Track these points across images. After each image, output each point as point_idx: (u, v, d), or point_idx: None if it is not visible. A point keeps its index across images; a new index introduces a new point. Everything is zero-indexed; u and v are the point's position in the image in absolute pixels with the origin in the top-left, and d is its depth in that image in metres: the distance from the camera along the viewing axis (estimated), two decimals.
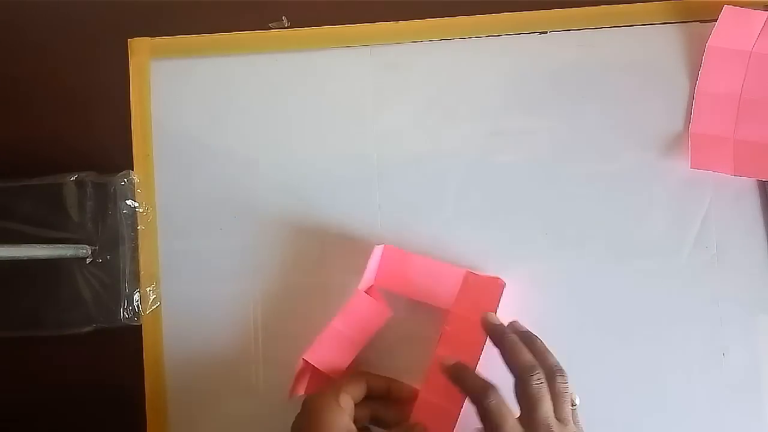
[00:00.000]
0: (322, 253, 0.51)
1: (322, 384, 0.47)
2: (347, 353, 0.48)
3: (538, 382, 0.42)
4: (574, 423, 0.43)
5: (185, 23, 0.54)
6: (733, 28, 0.50)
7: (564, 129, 0.52)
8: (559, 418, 0.42)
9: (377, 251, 0.49)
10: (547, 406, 0.41)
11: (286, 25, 0.53)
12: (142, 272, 0.52)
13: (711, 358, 0.50)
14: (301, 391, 0.48)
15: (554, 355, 0.45)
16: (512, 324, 0.47)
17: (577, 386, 0.50)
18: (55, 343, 0.51)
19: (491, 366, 0.45)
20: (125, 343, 0.51)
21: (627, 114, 0.51)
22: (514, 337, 0.45)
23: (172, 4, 0.54)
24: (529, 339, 0.45)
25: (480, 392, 0.43)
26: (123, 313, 0.51)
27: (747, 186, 0.51)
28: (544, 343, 0.45)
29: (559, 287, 0.51)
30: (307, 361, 0.47)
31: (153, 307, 0.51)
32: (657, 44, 0.52)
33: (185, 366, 0.51)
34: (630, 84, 0.52)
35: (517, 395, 0.43)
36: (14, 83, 0.54)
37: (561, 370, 0.43)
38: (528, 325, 0.50)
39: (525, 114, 0.52)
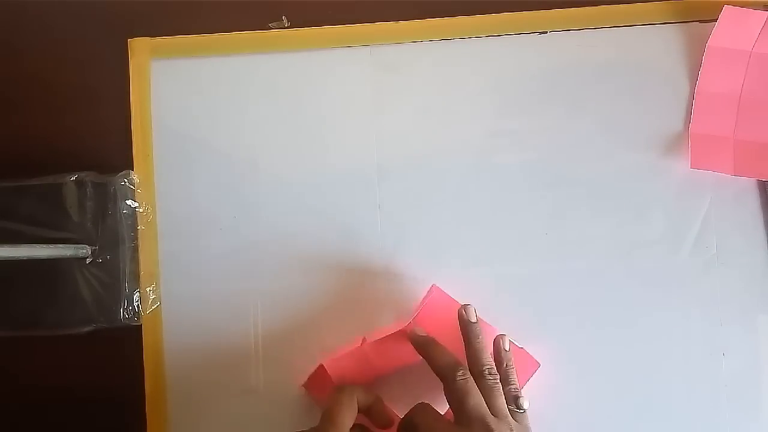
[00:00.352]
0: (321, 253, 0.51)
1: (326, 391, 0.47)
2: (364, 376, 0.48)
3: (462, 377, 0.42)
4: (522, 423, 0.43)
5: (185, 23, 0.53)
6: (733, 28, 0.50)
7: (564, 129, 0.52)
8: (494, 412, 0.42)
9: (435, 291, 0.49)
10: (476, 399, 0.42)
11: (286, 25, 0.53)
12: (142, 272, 0.52)
13: (711, 358, 0.50)
14: (309, 390, 0.49)
15: (487, 354, 0.45)
16: (464, 307, 0.47)
17: (576, 386, 0.50)
18: (55, 343, 0.51)
19: None
20: (125, 343, 0.51)
21: (627, 114, 0.52)
22: (437, 346, 0.45)
23: (172, 4, 0.54)
24: (468, 335, 0.46)
25: (449, 368, 0.43)
26: (123, 313, 0.51)
27: (747, 186, 0.51)
28: (482, 341, 0.45)
29: (559, 287, 0.51)
30: (324, 370, 0.47)
31: (153, 307, 0.51)
32: (657, 44, 0.52)
33: (185, 366, 0.51)
34: (630, 84, 0.52)
35: (446, 397, 0.43)
36: (14, 83, 0.54)
37: (491, 369, 0.44)
38: (528, 325, 0.50)
39: (525, 114, 0.52)
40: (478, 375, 0.44)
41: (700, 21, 0.52)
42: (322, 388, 0.49)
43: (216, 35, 0.53)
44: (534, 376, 0.49)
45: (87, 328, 0.51)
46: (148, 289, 0.52)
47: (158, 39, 0.53)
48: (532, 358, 0.49)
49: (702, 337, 0.50)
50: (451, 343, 0.46)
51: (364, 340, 0.49)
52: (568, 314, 0.50)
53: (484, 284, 0.51)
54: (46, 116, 0.54)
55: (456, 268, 0.51)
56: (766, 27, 0.50)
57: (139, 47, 0.53)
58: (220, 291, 0.52)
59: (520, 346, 0.49)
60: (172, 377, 0.51)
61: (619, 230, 0.51)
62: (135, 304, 0.51)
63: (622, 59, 0.52)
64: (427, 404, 0.44)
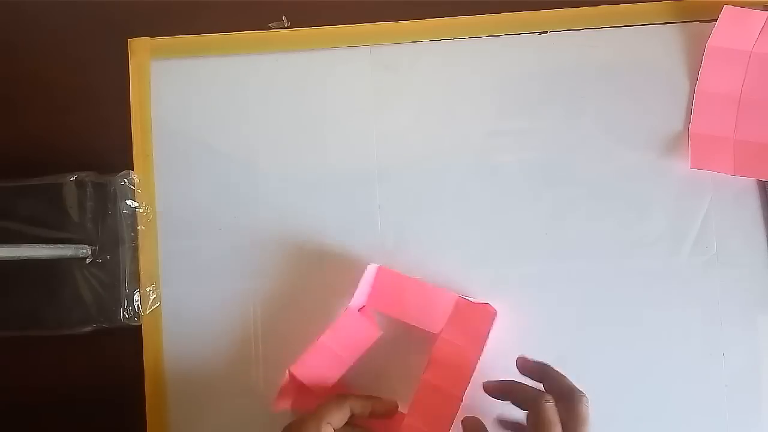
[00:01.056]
0: (321, 253, 0.51)
1: (307, 400, 0.47)
2: (334, 370, 0.48)
3: (549, 401, 0.41)
4: None
5: (185, 23, 0.53)
6: (733, 28, 0.50)
7: (564, 129, 0.52)
8: None
9: (370, 270, 0.49)
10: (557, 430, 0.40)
11: (286, 25, 0.53)
12: (142, 272, 0.52)
13: (711, 358, 0.50)
14: (285, 406, 0.48)
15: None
16: (522, 359, 0.46)
17: (576, 385, 0.50)
18: (55, 343, 0.51)
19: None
20: (125, 343, 0.51)
21: (627, 114, 0.52)
22: (553, 369, 0.44)
23: (172, 4, 0.54)
24: (544, 368, 0.44)
25: (573, 391, 0.42)
26: (123, 313, 0.51)
27: (747, 186, 0.51)
28: (557, 370, 0.44)
29: (559, 287, 0.51)
30: (293, 375, 0.47)
31: (153, 307, 0.51)
32: (657, 44, 0.52)
33: (185, 366, 0.51)
34: (630, 84, 0.52)
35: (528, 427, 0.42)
36: (14, 83, 0.54)
37: (582, 392, 0.42)
38: (527, 324, 0.50)
39: (525, 114, 0.52)
40: (570, 398, 0.42)
41: (700, 21, 0.52)
42: (299, 397, 0.48)
43: (216, 35, 0.53)
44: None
45: (87, 328, 0.51)
46: (148, 289, 0.52)
47: (158, 39, 0.53)
48: (488, 306, 0.48)
49: (702, 337, 0.50)
50: (403, 314, 0.48)
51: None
52: (568, 314, 0.50)
53: (484, 284, 0.51)
54: (45, 116, 0.54)
55: (456, 268, 0.51)
56: (766, 27, 0.50)
57: (139, 47, 0.53)
58: (220, 291, 0.52)
59: (471, 299, 0.49)
60: (172, 377, 0.51)
61: (619, 230, 0.51)
62: (135, 304, 0.51)
63: (622, 59, 0.52)
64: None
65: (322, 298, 0.51)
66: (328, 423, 0.43)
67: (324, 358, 0.47)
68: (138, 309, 0.51)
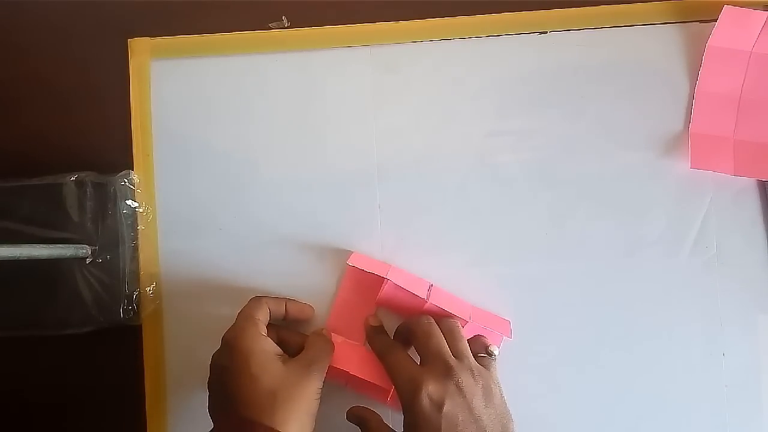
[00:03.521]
0: (322, 253, 0.51)
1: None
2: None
3: (427, 320, 0.46)
4: (488, 369, 0.45)
5: (185, 23, 0.53)
6: (733, 28, 0.50)
7: (564, 129, 0.52)
8: (455, 353, 0.44)
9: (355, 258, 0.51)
10: (438, 340, 0.44)
11: (286, 25, 0.53)
12: (142, 272, 0.52)
13: (711, 358, 0.50)
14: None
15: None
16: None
17: (576, 386, 0.50)
18: (55, 343, 0.51)
19: None
20: (125, 343, 0.51)
21: (627, 114, 0.52)
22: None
23: (172, 4, 0.54)
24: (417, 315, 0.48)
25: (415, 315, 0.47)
26: (123, 313, 0.51)
27: (747, 186, 0.51)
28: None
29: (559, 287, 0.51)
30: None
31: (153, 307, 0.51)
32: (657, 44, 0.52)
33: (185, 366, 0.51)
34: (630, 84, 0.52)
35: (412, 342, 0.46)
36: (14, 83, 0.54)
37: (451, 317, 0.47)
38: (528, 324, 0.50)
39: (525, 114, 0.52)
40: (439, 320, 0.46)
41: (700, 21, 0.52)
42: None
43: (216, 35, 0.53)
44: (534, 376, 0.49)
45: (87, 328, 0.51)
46: (148, 289, 0.52)
47: (158, 39, 0.53)
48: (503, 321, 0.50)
49: (702, 337, 0.50)
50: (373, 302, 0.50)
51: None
52: (568, 314, 0.50)
53: (484, 284, 0.51)
54: (45, 116, 0.54)
55: (456, 268, 0.51)
56: (766, 27, 0.50)
57: (139, 47, 0.53)
58: (220, 291, 0.52)
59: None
60: (172, 377, 0.51)
61: (619, 230, 0.51)
62: (135, 304, 0.51)
63: (622, 59, 0.52)
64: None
65: (321, 298, 0.51)
66: (261, 321, 0.46)
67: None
68: (138, 309, 0.51)
